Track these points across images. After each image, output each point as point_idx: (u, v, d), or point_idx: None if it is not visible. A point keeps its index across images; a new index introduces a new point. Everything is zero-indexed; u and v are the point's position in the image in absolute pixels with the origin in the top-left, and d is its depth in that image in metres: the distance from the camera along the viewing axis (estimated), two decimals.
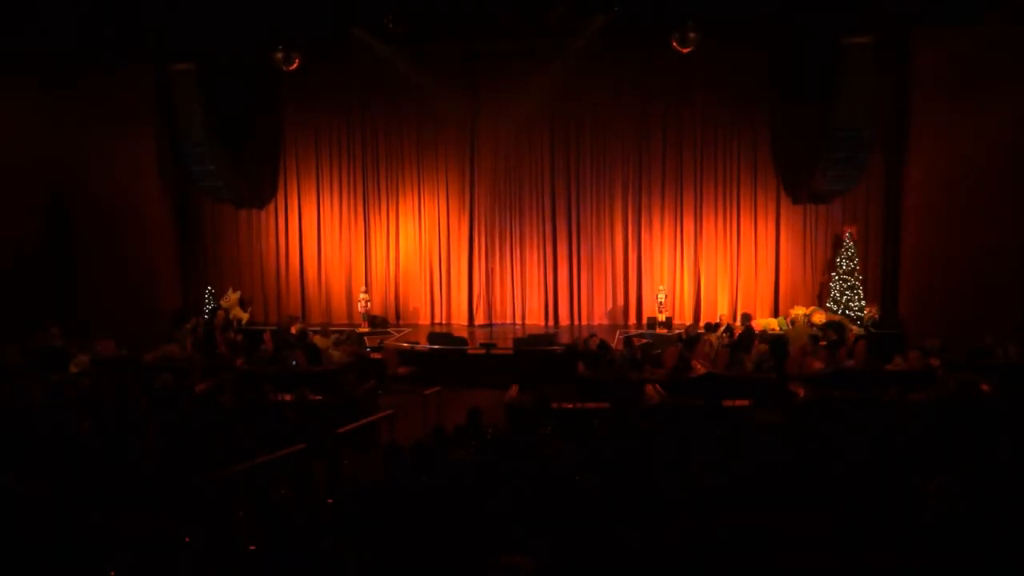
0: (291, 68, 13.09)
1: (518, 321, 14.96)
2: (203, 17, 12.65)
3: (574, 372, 11.13)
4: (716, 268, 14.67)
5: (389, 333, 14.60)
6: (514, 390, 9.38)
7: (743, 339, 11.79)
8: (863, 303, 13.54)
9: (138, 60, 13.09)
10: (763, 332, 12.71)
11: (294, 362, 11.30)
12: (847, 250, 13.65)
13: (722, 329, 12.10)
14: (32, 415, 7.68)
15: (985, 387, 8.52)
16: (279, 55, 12.84)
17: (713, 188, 14.59)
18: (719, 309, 14.33)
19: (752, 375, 10.43)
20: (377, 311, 15.37)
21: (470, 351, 12.88)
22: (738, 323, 12.29)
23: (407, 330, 14.82)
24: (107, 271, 14.02)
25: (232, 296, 15.50)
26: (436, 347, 13.07)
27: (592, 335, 11.94)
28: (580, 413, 8.87)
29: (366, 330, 14.48)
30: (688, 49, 12.23)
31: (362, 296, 15.02)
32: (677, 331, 13.14)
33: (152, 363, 11.21)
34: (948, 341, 10.41)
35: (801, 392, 9.14)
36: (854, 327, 12.89)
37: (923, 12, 12.00)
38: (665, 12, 12.31)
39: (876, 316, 13.52)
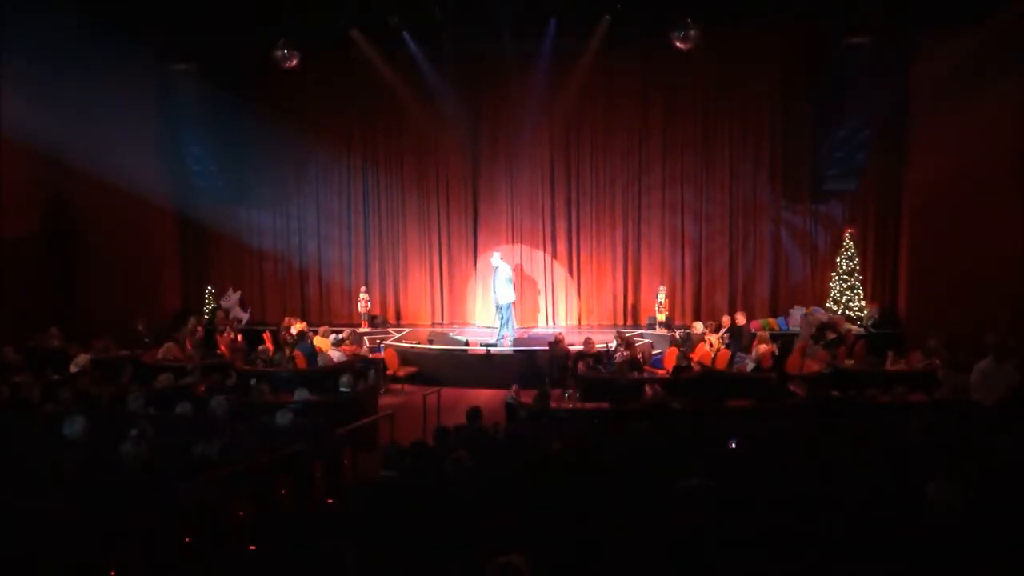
0: (290, 66, 13.08)
1: (518, 322, 14.94)
2: (204, 17, 12.64)
3: (574, 372, 11.17)
4: (716, 268, 14.65)
5: (389, 333, 14.60)
6: (514, 390, 9.38)
7: (738, 338, 11.82)
8: (863, 303, 13.55)
9: (139, 60, 13.08)
10: (762, 332, 12.70)
11: (293, 362, 11.32)
12: (847, 250, 13.65)
13: (724, 330, 12.10)
14: (31, 415, 7.69)
15: None
16: (278, 54, 12.84)
17: (713, 188, 14.56)
18: (719, 309, 14.30)
19: (752, 375, 10.45)
20: (377, 311, 15.38)
21: (470, 351, 12.88)
22: (727, 322, 12.30)
23: (407, 330, 14.82)
24: (107, 271, 14.00)
25: (232, 296, 15.52)
26: (436, 347, 13.07)
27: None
28: (580, 413, 8.88)
29: (366, 330, 14.49)
30: (689, 46, 12.22)
31: (362, 296, 15.02)
32: (677, 331, 13.13)
33: (152, 363, 11.23)
34: (949, 341, 10.41)
35: (801, 392, 9.15)
36: (852, 326, 12.89)
37: (924, 13, 11.99)
38: (665, 12, 12.30)
39: (876, 316, 13.52)
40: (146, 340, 12.66)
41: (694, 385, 9.77)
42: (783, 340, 12.23)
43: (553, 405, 8.80)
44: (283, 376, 10.43)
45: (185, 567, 4.92)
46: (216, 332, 13.40)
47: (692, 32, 12.02)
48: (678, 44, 12.20)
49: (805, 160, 13.97)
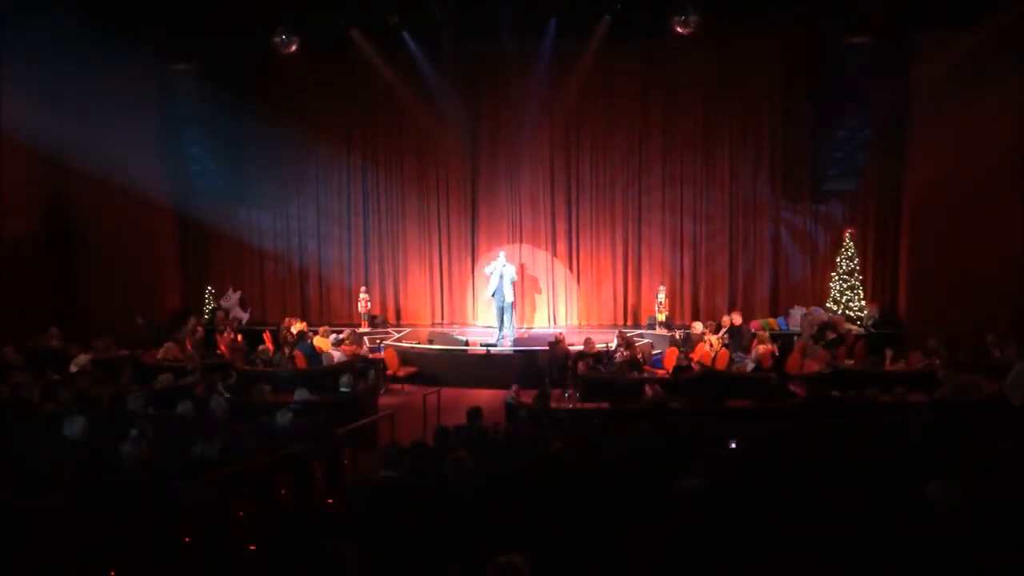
0: (289, 52, 13.05)
1: (519, 322, 14.93)
2: (204, 17, 12.65)
3: (574, 372, 11.17)
4: (716, 268, 14.65)
5: (389, 333, 14.59)
6: (514, 390, 9.38)
7: (738, 338, 11.82)
8: (863, 303, 13.55)
9: (139, 60, 13.09)
10: (762, 332, 12.72)
11: (292, 362, 11.32)
12: (847, 250, 13.65)
13: (724, 330, 12.10)
14: (31, 415, 7.69)
15: (985, 387, 8.52)
16: (277, 40, 12.85)
17: (713, 188, 14.55)
18: (719, 309, 14.29)
19: (752, 375, 10.45)
20: (377, 311, 15.37)
21: (470, 351, 12.88)
22: (728, 322, 12.29)
23: (407, 330, 14.81)
24: (107, 271, 14.01)
25: (232, 296, 15.52)
26: (436, 347, 13.07)
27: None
28: (580, 413, 8.88)
29: (366, 329, 14.48)
30: (689, 31, 12.19)
31: (362, 295, 15.01)
32: (677, 331, 13.13)
33: (152, 363, 11.23)
34: (949, 341, 10.42)
35: (801, 392, 9.15)
36: (852, 326, 12.89)
37: (924, 13, 12.00)
38: (664, 11, 12.31)
39: (876, 316, 13.52)
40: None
41: (694, 385, 9.77)
42: (783, 340, 12.23)
43: (553, 405, 8.79)
44: (283, 376, 10.43)
45: (185, 567, 4.93)
46: (216, 332, 13.40)
47: (693, 17, 11.99)
48: (678, 29, 12.19)
49: (805, 160, 13.98)
